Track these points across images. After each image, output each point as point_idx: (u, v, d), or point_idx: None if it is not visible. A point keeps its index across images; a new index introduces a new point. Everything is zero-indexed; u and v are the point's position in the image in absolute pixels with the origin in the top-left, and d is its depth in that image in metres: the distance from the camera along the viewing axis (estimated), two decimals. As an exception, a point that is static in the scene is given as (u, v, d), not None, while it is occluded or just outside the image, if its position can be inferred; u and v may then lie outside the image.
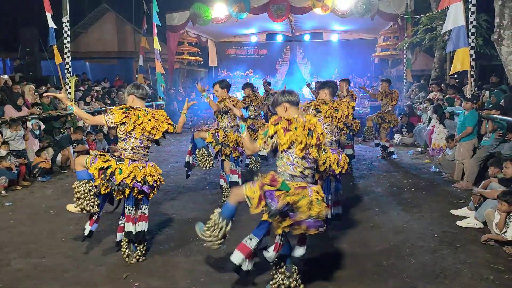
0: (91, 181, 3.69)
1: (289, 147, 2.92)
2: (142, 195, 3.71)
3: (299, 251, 3.13)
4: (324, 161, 4.06)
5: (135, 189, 3.59)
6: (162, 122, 3.74)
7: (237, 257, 3.01)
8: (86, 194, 3.66)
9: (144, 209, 3.78)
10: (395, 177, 6.93)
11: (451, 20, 7.66)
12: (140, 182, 3.56)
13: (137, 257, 3.76)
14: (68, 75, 9.10)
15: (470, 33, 7.83)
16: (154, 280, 3.43)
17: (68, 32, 9.13)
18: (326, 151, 4.16)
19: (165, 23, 13.77)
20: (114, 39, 16.99)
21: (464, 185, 6.12)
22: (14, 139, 6.82)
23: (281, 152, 2.97)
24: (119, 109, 3.58)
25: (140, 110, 3.63)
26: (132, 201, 3.67)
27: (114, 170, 3.52)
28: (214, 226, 3.09)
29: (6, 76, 9.87)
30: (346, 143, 7.06)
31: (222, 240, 3.11)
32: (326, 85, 4.51)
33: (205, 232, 3.11)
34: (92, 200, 3.69)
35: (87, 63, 18.71)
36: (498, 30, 6.99)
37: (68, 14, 9.02)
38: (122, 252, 3.76)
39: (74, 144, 7.88)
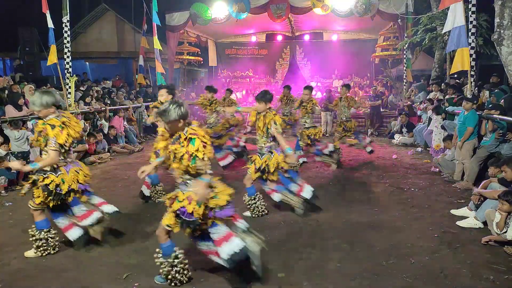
0: (51, 229, 3.91)
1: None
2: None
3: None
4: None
5: (80, 190, 3.86)
6: (76, 122, 3.87)
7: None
8: (47, 242, 3.87)
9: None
10: (395, 177, 6.93)
11: (451, 20, 7.66)
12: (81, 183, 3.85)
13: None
14: (68, 75, 9.10)
15: (470, 33, 7.83)
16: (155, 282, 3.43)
17: (68, 32, 9.13)
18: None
19: (165, 23, 13.77)
20: (113, 39, 16.98)
21: (464, 185, 6.12)
22: (19, 140, 6.84)
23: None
24: (58, 127, 3.63)
25: (64, 117, 3.76)
26: (77, 201, 3.92)
27: (59, 182, 3.69)
28: (166, 267, 3.23)
29: (8, 77, 9.89)
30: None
31: (189, 275, 3.33)
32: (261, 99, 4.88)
33: (169, 280, 3.26)
34: (53, 245, 3.90)
35: (87, 63, 18.71)
36: (498, 30, 7.00)
37: (68, 14, 9.02)
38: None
39: (74, 144, 7.87)
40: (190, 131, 3.06)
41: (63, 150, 3.73)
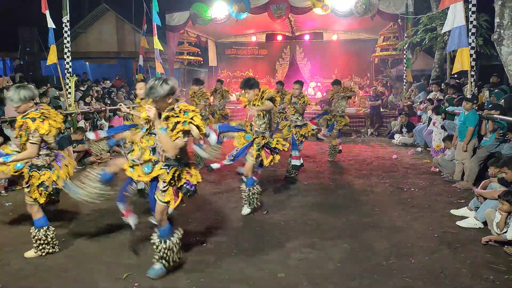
0: (50, 226, 3.91)
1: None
2: None
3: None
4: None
5: None
6: (55, 114, 3.81)
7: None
8: (47, 239, 3.85)
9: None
10: (395, 177, 6.93)
11: (451, 20, 7.66)
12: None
13: None
14: (68, 75, 9.10)
15: (470, 33, 7.83)
16: (154, 280, 3.43)
17: (68, 32, 9.12)
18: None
19: (165, 23, 13.77)
20: (114, 39, 16.98)
21: (464, 185, 6.12)
22: None
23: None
24: (38, 119, 3.57)
25: (42, 109, 3.71)
26: None
27: (55, 179, 3.73)
28: (163, 252, 3.35)
29: (8, 77, 9.88)
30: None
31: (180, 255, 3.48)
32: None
33: (166, 262, 3.38)
34: (52, 243, 3.90)
35: (87, 63, 18.71)
36: (498, 30, 6.99)
37: (68, 14, 9.02)
38: None
39: (74, 144, 7.87)
40: (183, 105, 3.09)
41: (47, 143, 3.69)
